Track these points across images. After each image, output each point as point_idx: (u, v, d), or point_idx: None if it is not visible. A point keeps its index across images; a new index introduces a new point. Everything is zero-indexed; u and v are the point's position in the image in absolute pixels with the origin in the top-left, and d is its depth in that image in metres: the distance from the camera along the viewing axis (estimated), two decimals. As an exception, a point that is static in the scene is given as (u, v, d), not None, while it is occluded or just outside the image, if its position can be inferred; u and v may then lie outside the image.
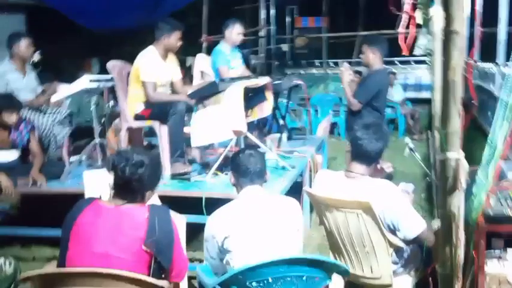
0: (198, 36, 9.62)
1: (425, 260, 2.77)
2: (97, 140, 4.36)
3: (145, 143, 5.26)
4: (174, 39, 4.21)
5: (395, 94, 8.90)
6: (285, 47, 13.25)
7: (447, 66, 1.97)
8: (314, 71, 12.00)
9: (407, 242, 2.67)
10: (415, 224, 2.59)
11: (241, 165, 2.54)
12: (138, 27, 7.47)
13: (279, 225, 2.43)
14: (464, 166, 2.07)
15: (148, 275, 2.07)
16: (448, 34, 1.96)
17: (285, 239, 2.42)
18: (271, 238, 2.38)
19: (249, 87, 4.05)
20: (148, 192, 2.22)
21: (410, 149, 4.41)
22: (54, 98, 4.44)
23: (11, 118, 3.91)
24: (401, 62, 10.34)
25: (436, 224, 2.74)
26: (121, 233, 2.06)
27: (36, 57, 4.79)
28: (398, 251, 2.72)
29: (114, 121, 4.78)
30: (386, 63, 10.32)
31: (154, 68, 4.13)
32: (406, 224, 2.58)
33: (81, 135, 4.90)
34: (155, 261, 2.07)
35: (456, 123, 2.01)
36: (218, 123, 3.77)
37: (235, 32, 5.17)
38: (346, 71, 4.49)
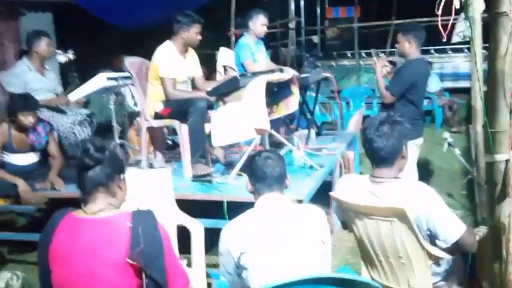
0: (228, 31, 9.42)
1: (469, 272, 2.47)
2: (117, 140, 4.20)
3: (169, 142, 5.11)
4: (193, 33, 4.00)
5: (432, 84, 8.47)
6: (315, 39, 12.94)
7: (494, 55, 1.69)
8: (346, 62, 11.67)
9: (448, 250, 2.38)
10: (454, 228, 2.29)
11: (258, 170, 2.27)
12: (165, 22, 7.34)
13: (302, 238, 2.16)
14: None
15: None
16: (495, 17, 1.67)
17: (309, 254, 2.15)
18: (293, 253, 2.12)
19: (273, 82, 3.81)
20: (116, 182, 1.93)
21: (449, 144, 4.10)
22: (72, 98, 4.31)
23: (28, 119, 3.78)
24: (438, 51, 9.89)
25: (481, 231, 2.44)
26: (103, 247, 1.79)
27: (70, 55, 4.67)
28: (438, 261, 2.43)
29: (135, 120, 4.62)
30: (422, 52, 9.98)
31: (172, 64, 3.94)
32: (444, 227, 2.29)
33: (101, 136, 4.76)
34: (146, 276, 1.80)
35: (506, 120, 1.73)
36: (239, 121, 3.53)
37: (259, 23, 4.93)
38: (379, 61, 4.20)
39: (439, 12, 2.00)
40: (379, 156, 2.37)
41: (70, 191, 3.79)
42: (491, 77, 1.74)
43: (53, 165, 3.97)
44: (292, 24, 11.82)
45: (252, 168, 2.31)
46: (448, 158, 5.72)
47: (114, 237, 1.80)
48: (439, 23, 2.24)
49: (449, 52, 9.91)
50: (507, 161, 1.75)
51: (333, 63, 11.68)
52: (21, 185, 3.73)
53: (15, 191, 3.74)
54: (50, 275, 1.84)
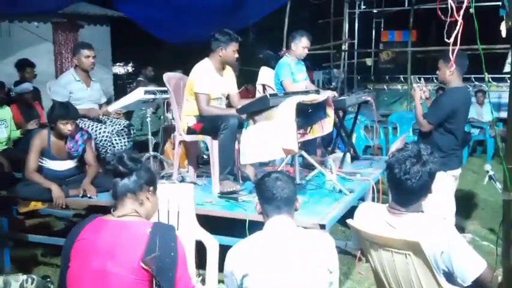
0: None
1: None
2: (151, 152, 4.28)
3: (205, 157, 5.16)
4: (230, 51, 4.04)
5: (485, 114, 8.14)
6: (369, 61, 12.78)
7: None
8: (398, 86, 11.44)
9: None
10: (473, 265, 2.16)
11: (267, 191, 2.23)
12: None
13: (307, 265, 2.10)
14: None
15: None
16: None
17: (312, 282, 2.08)
18: (296, 280, 2.07)
19: (306, 103, 3.77)
20: (144, 192, 2.07)
21: (491, 177, 3.89)
22: (111, 108, 4.44)
23: (66, 127, 3.90)
24: (495, 79, 9.49)
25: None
26: (120, 246, 1.88)
27: (129, 68, 4.86)
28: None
29: (172, 134, 4.70)
30: (478, 80, 9.63)
31: (207, 81, 3.99)
32: (463, 265, 2.16)
33: (140, 149, 4.87)
34: (156, 285, 1.86)
35: (523, 156, 1.61)
36: (268, 141, 3.52)
37: (301, 45, 4.91)
38: (418, 87, 4.07)
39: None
40: (405, 198, 2.28)
41: (102, 199, 3.88)
42: (510, 110, 1.64)
43: (88, 173, 4.08)
44: (345, 46, 11.74)
45: (261, 189, 2.28)
46: (494, 191, 5.43)
47: (132, 241, 1.89)
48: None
49: (508, 81, 9.49)
50: (524, 199, 1.63)
51: (385, 87, 11.48)
52: (55, 190, 3.84)
53: (50, 196, 3.86)
54: (66, 272, 1.95)
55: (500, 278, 2.26)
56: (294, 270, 2.08)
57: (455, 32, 1.66)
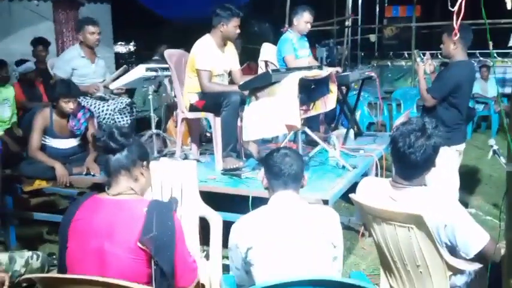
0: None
1: (493, 285, 2.31)
2: (153, 130, 4.27)
3: (208, 134, 5.14)
4: (232, 26, 4.00)
5: (490, 89, 8.06)
6: (373, 38, 12.64)
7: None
8: (402, 63, 11.34)
9: (471, 261, 2.24)
10: (476, 238, 2.17)
11: (274, 166, 2.23)
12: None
13: (311, 239, 2.10)
14: (537, 181, 1.65)
15: (150, 278, 1.87)
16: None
17: (316, 256, 2.09)
18: (300, 253, 2.07)
19: (309, 79, 3.73)
20: (138, 167, 2.04)
21: (495, 152, 3.87)
22: (112, 86, 4.41)
23: (68, 105, 3.89)
24: (500, 55, 9.39)
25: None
26: (117, 226, 1.88)
27: (130, 47, 4.81)
28: (459, 273, 2.29)
29: (175, 111, 4.68)
30: (483, 55, 9.52)
31: (209, 57, 3.95)
32: (466, 238, 2.17)
33: (143, 127, 4.85)
34: (155, 264, 1.86)
35: (528, 127, 1.59)
36: (271, 117, 3.48)
37: (303, 20, 4.86)
38: (422, 62, 4.02)
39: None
40: (409, 171, 2.28)
41: (104, 176, 3.89)
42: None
43: (90, 151, 4.08)
44: (348, 22, 11.59)
45: (268, 164, 2.27)
46: (498, 167, 5.42)
47: (129, 220, 1.88)
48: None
49: (513, 56, 9.41)
50: (528, 171, 1.61)
51: (389, 63, 11.38)
52: (59, 168, 3.85)
53: (53, 174, 3.87)
54: (65, 251, 1.94)
55: (503, 251, 2.26)
56: (298, 243, 2.08)
57: (459, 0, 1.62)
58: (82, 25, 4.61)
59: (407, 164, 2.25)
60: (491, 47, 1.89)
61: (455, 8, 1.62)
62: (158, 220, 1.87)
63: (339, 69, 4.88)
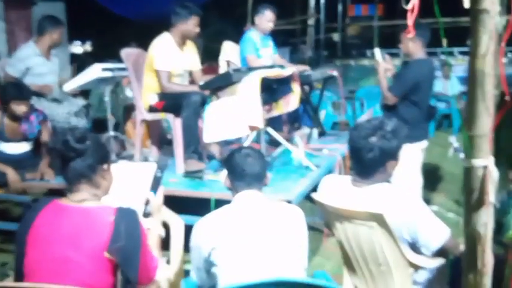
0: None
1: (454, 281, 2.31)
2: (111, 133, 4.13)
3: (169, 136, 5.02)
4: (191, 24, 3.92)
5: (451, 87, 8.21)
6: (336, 37, 12.70)
7: (474, 54, 1.53)
8: (366, 62, 11.40)
9: (432, 258, 2.24)
10: (436, 233, 2.18)
11: (237, 167, 2.20)
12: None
13: (276, 237, 2.07)
14: (493, 176, 1.63)
15: (112, 286, 1.80)
16: (475, 14, 1.52)
17: (281, 255, 2.05)
18: (264, 252, 2.03)
19: (271, 78, 3.68)
20: (99, 174, 1.91)
21: (455, 149, 3.90)
22: (67, 88, 4.25)
23: (20, 108, 3.73)
24: (461, 53, 9.56)
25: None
26: (82, 236, 1.78)
27: (87, 47, 4.63)
28: (420, 270, 2.28)
29: (133, 113, 4.55)
30: (444, 53, 9.67)
31: (168, 56, 3.86)
32: (427, 234, 2.18)
33: (100, 129, 4.69)
34: (121, 273, 1.79)
35: (485, 124, 1.57)
36: (232, 117, 3.42)
37: (265, 19, 4.82)
38: (382, 62, 4.02)
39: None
40: (360, 168, 2.28)
41: (60, 181, 3.73)
42: (471, 78, 1.59)
43: (44, 155, 3.91)
44: (311, 21, 11.62)
45: (231, 165, 2.24)
46: (460, 164, 5.51)
47: (96, 229, 1.79)
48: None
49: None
50: (485, 167, 1.60)
51: (352, 63, 11.44)
52: (11, 174, 3.69)
53: (5, 180, 3.69)
54: (23, 259, 1.83)
55: (462, 246, 2.27)
56: (263, 242, 2.05)
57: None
58: (52, 22, 4.42)
59: (358, 160, 2.26)
60: (444, 44, 1.88)
61: (409, 6, 1.59)
62: (126, 229, 1.80)
63: (307, 67, 4.84)
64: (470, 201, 1.65)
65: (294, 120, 5.17)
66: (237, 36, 5.12)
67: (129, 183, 2.95)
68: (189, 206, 3.40)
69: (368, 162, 2.21)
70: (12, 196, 4.41)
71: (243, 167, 2.18)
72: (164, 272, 2.46)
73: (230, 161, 2.25)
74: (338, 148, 4.36)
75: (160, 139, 4.59)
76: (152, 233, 2.10)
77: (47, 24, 4.45)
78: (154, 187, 2.22)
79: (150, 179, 3.05)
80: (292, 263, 2.09)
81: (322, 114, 6.50)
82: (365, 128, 2.22)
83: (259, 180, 2.20)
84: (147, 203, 2.21)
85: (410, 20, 1.60)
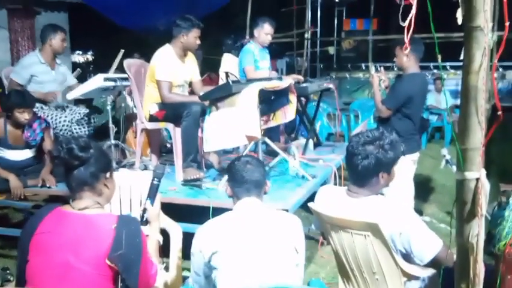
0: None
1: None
2: (112, 141, 4.21)
3: (168, 145, 5.11)
4: (192, 37, 4.01)
5: (443, 101, 8.36)
6: (331, 50, 12.88)
7: (467, 70, 1.62)
8: (360, 75, 11.57)
9: (424, 267, 2.31)
10: (430, 245, 2.24)
11: (237, 174, 2.29)
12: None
13: (274, 244, 2.15)
14: (486, 188, 1.72)
15: None
16: (469, 31, 1.61)
17: (280, 261, 2.13)
18: (263, 258, 2.11)
19: (269, 90, 3.78)
20: (101, 181, 1.95)
21: (447, 161, 4.00)
22: (69, 96, 4.33)
23: (23, 115, 3.79)
24: (453, 67, 9.73)
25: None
26: (84, 243, 1.82)
27: (88, 56, 4.72)
28: (413, 279, 2.36)
29: (134, 122, 4.63)
30: (436, 68, 9.84)
31: (169, 67, 3.95)
32: (420, 246, 2.24)
33: (101, 137, 4.77)
34: (121, 280, 1.83)
35: (477, 138, 1.65)
36: (231, 128, 3.51)
37: (263, 32, 4.93)
38: (376, 75, 4.14)
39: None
40: (355, 177, 2.35)
41: (61, 188, 3.79)
42: (464, 94, 1.67)
43: (46, 162, 3.98)
44: (308, 35, 11.79)
45: (231, 173, 2.33)
46: (452, 176, 5.61)
47: (97, 236, 1.83)
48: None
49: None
50: (477, 179, 1.68)
51: (347, 75, 11.60)
52: (13, 181, 3.74)
53: (7, 187, 3.75)
54: (25, 265, 1.87)
55: (455, 257, 2.35)
56: (262, 248, 2.12)
57: (410, 15, 1.69)
58: (52, 31, 4.53)
59: (353, 167, 2.32)
60: (439, 60, 1.96)
61: (406, 23, 1.68)
62: (127, 237, 1.83)
63: (301, 77, 4.96)
64: (462, 212, 1.71)
65: (290, 130, 5.28)
66: (236, 48, 5.23)
67: (128, 191, 3.04)
68: (188, 214, 3.48)
69: (362, 169, 2.28)
70: (14, 202, 4.47)
71: (243, 173, 2.27)
72: (163, 278, 2.54)
73: (231, 168, 2.35)
74: (333, 159, 4.46)
75: (160, 148, 4.68)
76: (151, 239, 2.15)
77: (48, 31, 4.58)
78: (151, 195, 2.26)
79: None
80: (289, 269, 2.16)
81: (318, 125, 6.63)
82: (366, 136, 2.30)
83: (258, 187, 2.29)
84: (144, 210, 2.26)
85: (406, 37, 1.68)
